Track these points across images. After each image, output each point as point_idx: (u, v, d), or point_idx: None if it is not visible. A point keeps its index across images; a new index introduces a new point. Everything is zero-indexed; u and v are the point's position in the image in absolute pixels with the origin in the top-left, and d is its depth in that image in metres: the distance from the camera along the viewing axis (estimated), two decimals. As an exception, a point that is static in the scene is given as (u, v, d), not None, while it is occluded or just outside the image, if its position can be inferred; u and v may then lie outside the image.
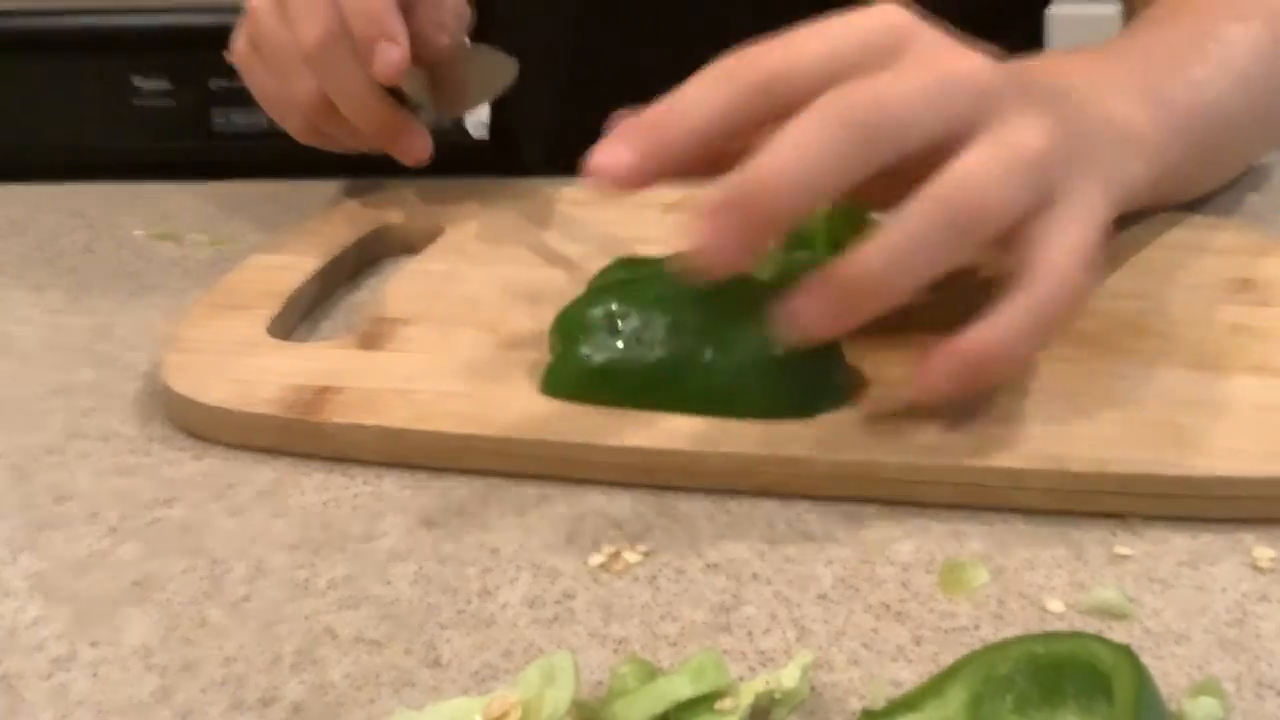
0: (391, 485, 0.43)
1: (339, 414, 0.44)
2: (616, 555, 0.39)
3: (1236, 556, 0.39)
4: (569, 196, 0.61)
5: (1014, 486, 0.40)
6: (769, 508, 0.41)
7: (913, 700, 0.31)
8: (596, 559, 0.39)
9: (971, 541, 0.40)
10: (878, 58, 0.40)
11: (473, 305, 0.51)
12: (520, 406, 0.44)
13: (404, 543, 0.40)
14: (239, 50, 0.61)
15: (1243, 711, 0.33)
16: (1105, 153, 0.46)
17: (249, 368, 0.47)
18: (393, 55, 0.54)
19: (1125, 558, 0.39)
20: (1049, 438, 0.41)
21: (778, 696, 0.32)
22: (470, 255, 0.56)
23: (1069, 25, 0.91)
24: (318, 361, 0.47)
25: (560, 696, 0.31)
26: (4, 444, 0.46)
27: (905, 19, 0.41)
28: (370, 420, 0.44)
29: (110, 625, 0.37)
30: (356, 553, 0.40)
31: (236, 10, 0.62)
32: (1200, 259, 0.53)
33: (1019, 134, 0.40)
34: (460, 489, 0.42)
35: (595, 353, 0.44)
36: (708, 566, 0.39)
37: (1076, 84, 0.48)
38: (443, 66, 0.56)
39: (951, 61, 0.41)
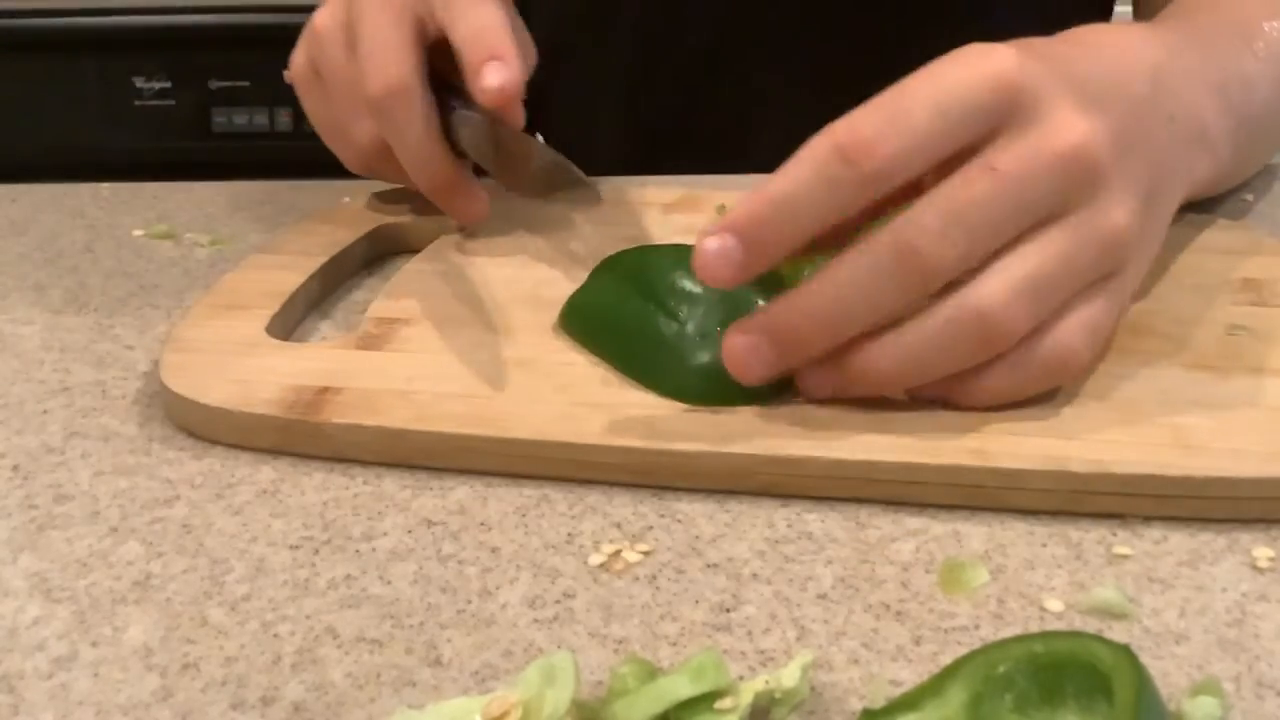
0: (391, 485, 0.43)
1: (339, 414, 0.44)
2: (616, 555, 0.39)
3: (1236, 556, 0.39)
4: (566, 196, 0.61)
5: (1013, 487, 0.40)
6: (769, 508, 0.41)
7: (913, 700, 0.31)
8: (596, 559, 0.39)
9: (971, 541, 0.40)
10: (988, 127, 0.40)
11: (473, 305, 0.51)
12: (521, 407, 0.44)
13: (404, 543, 0.40)
14: (298, 69, 0.59)
15: (1242, 711, 0.33)
16: (1178, 161, 0.45)
17: (249, 368, 0.47)
18: (501, 76, 0.51)
19: (1125, 558, 0.39)
20: (1049, 438, 0.41)
21: (778, 696, 0.32)
22: (470, 255, 0.56)
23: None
24: (317, 362, 0.47)
25: (560, 696, 0.31)
26: (4, 444, 0.46)
27: (1011, 70, 0.40)
28: (370, 421, 0.43)
29: (110, 625, 0.37)
30: (356, 553, 0.40)
31: (237, 10, 0.62)
32: (1203, 259, 0.53)
33: (1108, 217, 0.40)
34: (460, 489, 0.42)
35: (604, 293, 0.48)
36: (708, 566, 0.39)
37: (1144, 75, 0.45)
38: (510, 141, 0.54)
39: (1058, 138, 0.40)
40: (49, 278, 0.59)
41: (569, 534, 0.40)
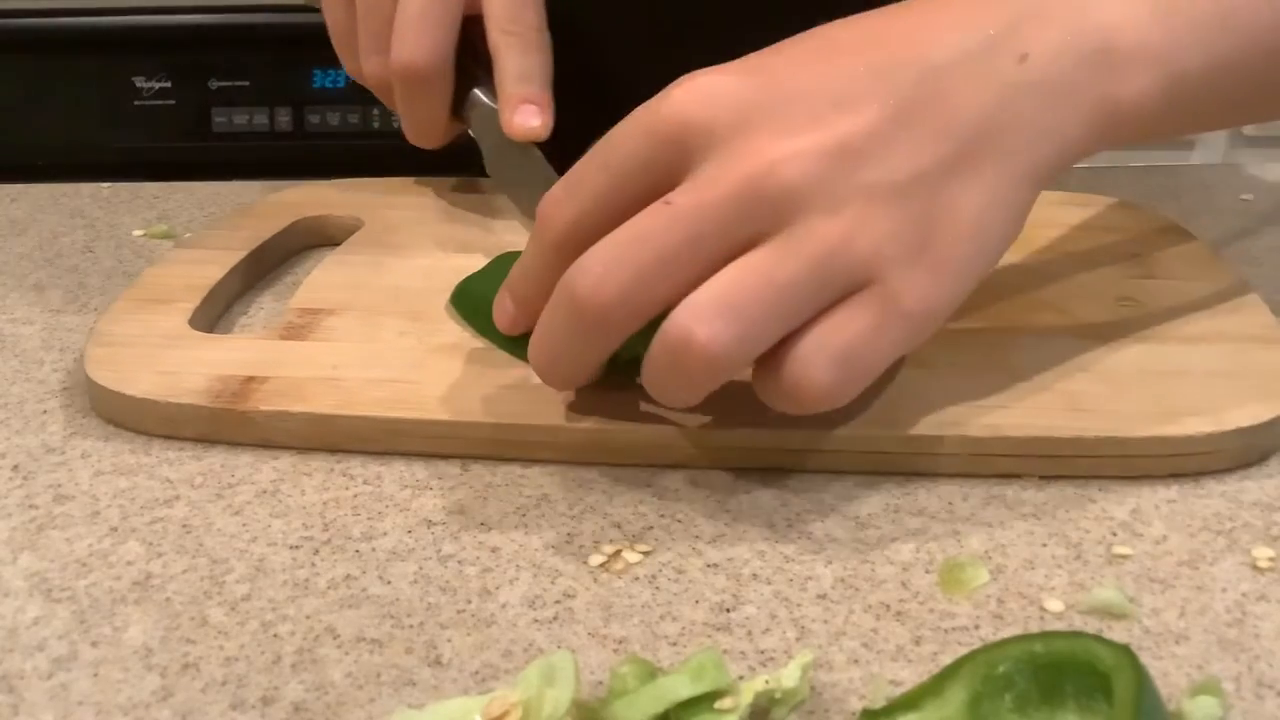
0: (391, 485, 0.43)
1: (265, 402, 0.45)
2: (616, 555, 0.39)
3: (1236, 556, 0.39)
4: (483, 188, 0.63)
5: (916, 453, 0.42)
6: (769, 508, 0.41)
7: (913, 700, 0.31)
8: (596, 559, 0.39)
9: (971, 541, 0.40)
10: (660, 172, 0.39)
11: (394, 295, 0.52)
12: (444, 391, 0.45)
13: (404, 543, 0.40)
14: None
15: (1242, 711, 0.33)
16: (1035, 108, 0.39)
17: (174, 360, 0.47)
18: (534, 121, 0.55)
19: (1125, 558, 0.39)
20: (948, 406, 0.43)
21: (778, 696, 0.32)
22: (390, 247, 0.57)
23: None
24: (242, 352, 0.48)
25: (560, 696, 0.31)
26: (4, 444, 0.46)
27: (676, 112, 0.39)
28: (297, 407, 0.44)
29: (110, 625, 0.37)
30: (356, 553, 0.40)
31: (237, 10, 0.62)
32: (1096, 235, 0.56)
33: (814, 233, 0.37)
34: (460, 489, 0.42)
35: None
36: (708, 566, 0.39)
37: (946, 42, 0.40)
38: (517, 148, 0.57)
39: (735, 168, 0.38)
40: (49, 278, 0.59)
41: (569, 534, 0.40)
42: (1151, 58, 0.40)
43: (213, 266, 0.54)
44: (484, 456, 0.44)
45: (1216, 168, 0.70)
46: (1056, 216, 0.58)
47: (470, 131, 0.59)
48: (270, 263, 0.58)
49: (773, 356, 0.38)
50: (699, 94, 0.39)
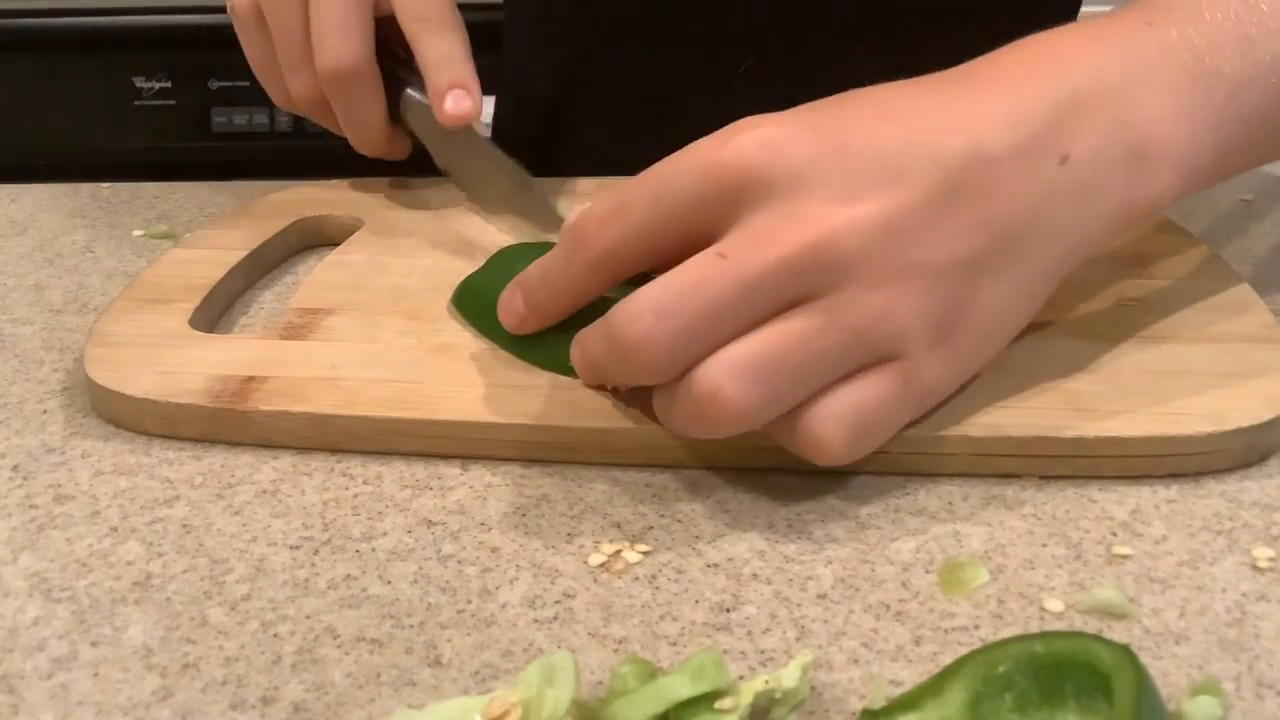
0: (391, 485, 0.43)
1: (265, 402, 0.45)
2: (616, 555, 0.39)
3: (1236, 556, 0.39)
4: (501, 186, 0.62)
5: (917, 452, 0.42)
6: (769, 507, 0.41)
7: (913, 700, 0.31)
8: (596, 559, 0.39)
9: (971, 541, 0.40)
10: (712, 215, 0.39)
11: (394, 295, 0.52)
12: (444, 391, 0.45)
13: (404, 543, 0.40)
14: (241, 7, 0.60)
15: (1242, 711, 0.33)
16: (1065, 204, 0.41)
17: (174, 359, 0.47)
18: (465, 105, 0.56)
19: (1125, 558, 0.39)
20: (950, 406, 0.43)
21: (778, 696, 0.32)
22: (389, 247, 0.57)
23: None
24: (242, 352, 0.48)
25: (560, 696, 0.31)
26: (4, 444, 0.46)
27: (739, 159, 0.39)
28: (297, 407, 0.44)
29: (110, 625, 0.37)
30: (356, 553, 0.40)
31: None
32: None
33: (857, 304, 0.38)
34: (460, 489, 0.43)
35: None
36: (708, 566, 0.39)
37: (995, 130, 0.40)
38: (458, 134, 0.58)
39: (792, 232, 0.38)
40: (49, 278, 0.59)
41: (569, 534, 0.40)
42: (1174, 161, 0.42)
43: (212, 266, 0.54)
44: (484, 457, 0.44)
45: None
46: None
47: (413, 133, 0.60)
48: (269, 263, 0.58)
49: (793, 410, 0.39)
50: (762, 144, 0.38)
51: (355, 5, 0.56)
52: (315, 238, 0.60)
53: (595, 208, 0.41)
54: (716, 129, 0.40)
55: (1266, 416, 0.42)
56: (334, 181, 0.64)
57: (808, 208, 0.38)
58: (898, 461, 0.42)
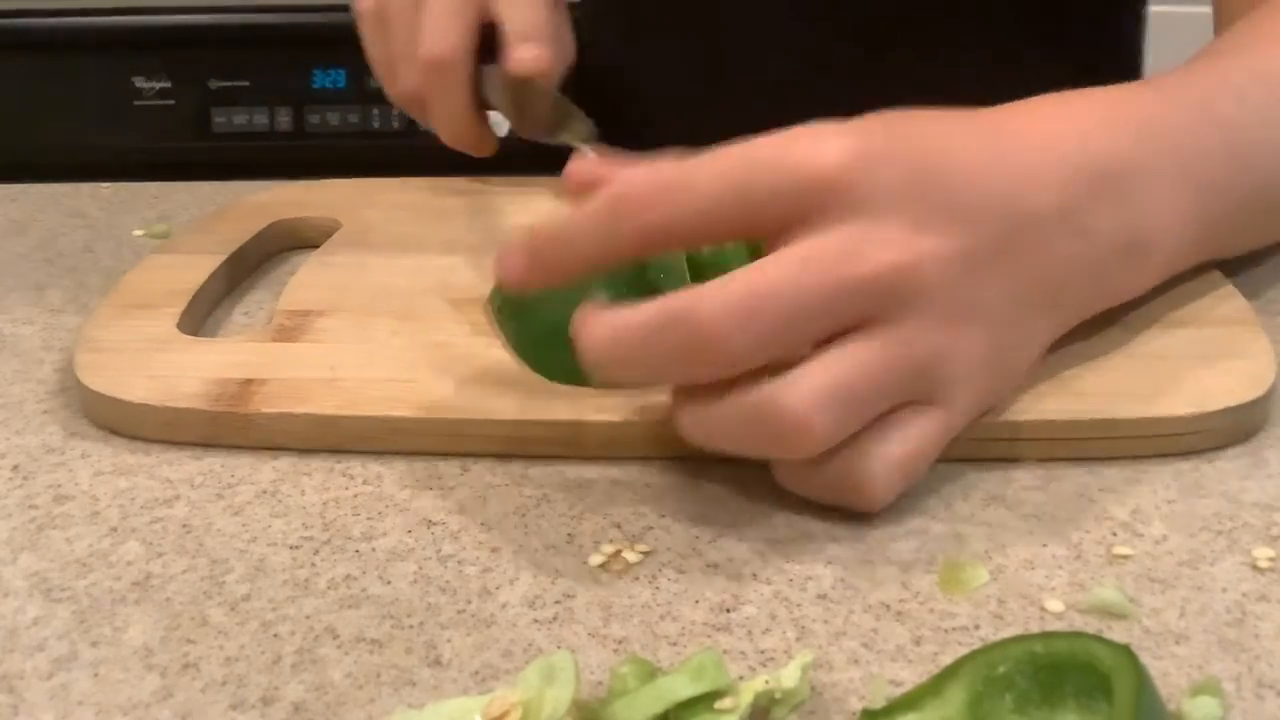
0: (391, 485, 0.43)
1: (267, 405, 0.45)
2: (616, 555, 0.39)
3: (1236, 556, 0.39)
4: (454, 186, 0.63)
5: None
6: (769, 507, 0.41)
7: (913, 700, 0.31)
8: (596, 559, 0.39)
9: (971, 541, 0.40)
10: (784, 216, 0.38)
11: (384, 295, 0.52)
12: (445, 389, 0.45)
13: (404, 543, 0.40)
14: (366, 7, 0.61)
15: (1242, 711, 0.33)
16: (1079, 278, 0.42)
17: (167, 364, 0.47)
18: (533, 53, 0.57)
19: (1125, 558, 0.39)
20: None
21: (778, 696, 0.32)
22: (373, 247, 0.57)
23: (1171, 23, 0.88)
24: (237, 355, 0.48)
25: (560, 696, 0.31)
26: (4, 444, 0.46)
27: (834, 165, 0.37)
28: (299, 409, 0.44)
29: (110, 625, 0.37)
30: (356, 553, 0.40)
31: (237, 10, 0.62)
32: None
33: (923, 341, 0.38)
34: (460, 489, 0.43)
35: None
36: (708, 566, 0.39)
37: (1051, 186, 0.41)
38: (534, 95, 0.58)
39: (871, 255, 0.37)
40: (49, 278, 0.59)
41: (569, 534, 0.40)
42: (1169, 257, 0.46)
43: (193, 271, 0.54)
44: (487, 454, 0.44)
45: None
46: None
47: (494, 107, 0.60)
48: (249, 265, 0.58)
49: (839, 449, 0.39)
50: (859, 155, 0.38)
51: (460, 5, 0.58)
52: (291, 240, 0.60)
53: (648, 176, 0.39)
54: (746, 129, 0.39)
55: (1250, 396, 0.44)
56: (306, 183, 0.64)
57: (892, 231, 0.38)
58: None
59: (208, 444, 0.45)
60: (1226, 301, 0.50)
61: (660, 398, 0.43)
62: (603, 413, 0.44)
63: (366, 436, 0.44)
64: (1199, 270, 0.51)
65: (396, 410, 0.44)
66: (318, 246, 0.58)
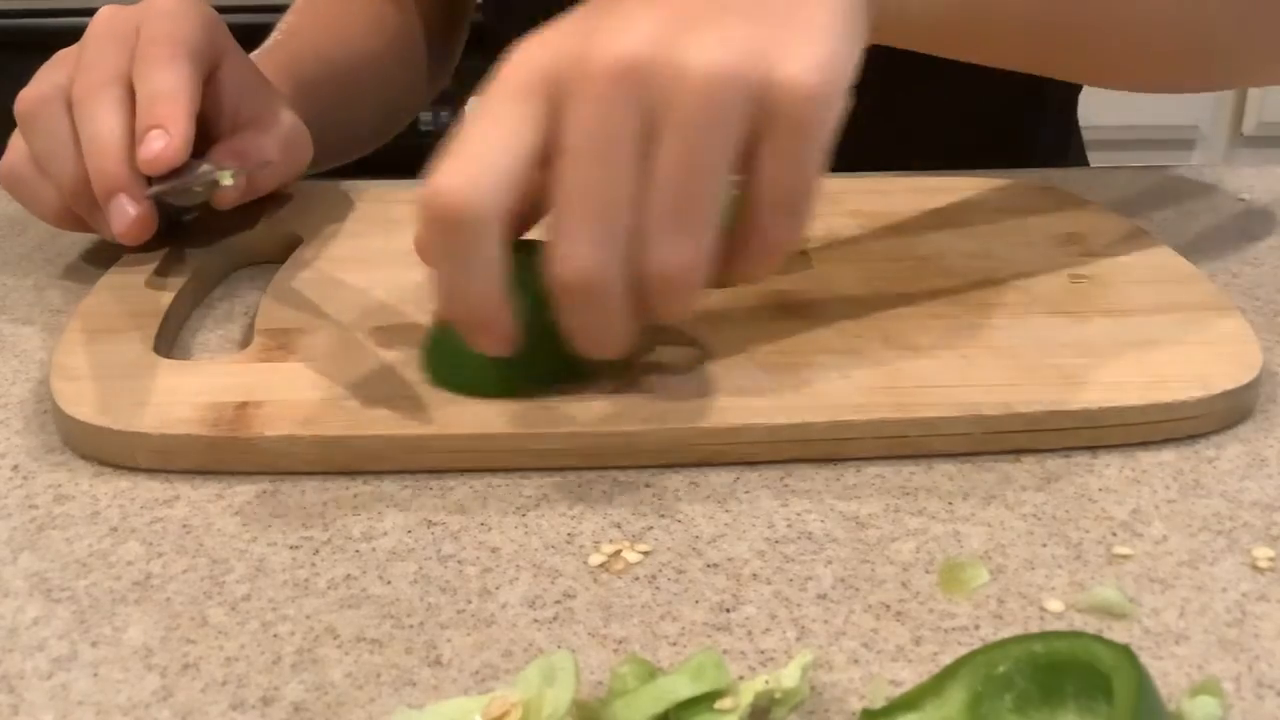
0: (391, 485, 0.43)
1: (270, 427, 0.43)
2: (616, 555, 0.39)
3: (1236, 556, 0.39)
4: (399, 196, 0.62)
5: (933, 434, 0.43)
6: (769, 508, 0.41)
7: (913, 700, 0.31)
8: (596, 559, 0.39)
9: (971, 541, 0.40)
10: (546, 126, 0.38)
11: (364, 309, 0.51)
12: (451, 403, 0.44)
13: (404, 543, 0.40)
14: (23, 110, 0.55)
15: (1242, 711, 0.33)
16: None
17: (151, 389, 0.45)
18: (156, 147, 0.51)
19: (1125, 558, 0.39)
20: (956, 388, 0.45)
21: (778, 696, 0.32)
22: (342, 261, 0.55)
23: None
24: (223, 378, 0.46)
25: (560, 696, 0.31)
26: (4, 444, 0.46)
27: (524, 67, 0.39)
28: (306, 431, 0.43)
29: (110, 625, 0.37)
30: (356, 553, 0.40)
31: (236, 10, 0.62)
32: (1022, 220, 0.59)
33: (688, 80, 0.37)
34: (460, 489, 0.42)
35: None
36: (708, 566, 0.39)
37: None
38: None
39: (601, 64, 0.37)
40: (49, 278, 0.59)
41: (569, 534, 0.40)
42: None
43: (157, 291, 0.52)
44: (504, 469, 0.43)
45: (1215, 168, 0.70)
46: (986, 201, 0.61)
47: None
48: (209, 283, 0.56)
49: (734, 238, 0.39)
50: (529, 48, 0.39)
51: (113, 110, 0.53)
52: (248, 256, 0.59)
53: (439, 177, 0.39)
54: None
55: (1246, 379, 0.45)
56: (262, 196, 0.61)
57: (598, 42, 0.38)
58: (912, 445, 0.43)
59: (205, 471, 0.43)
60: (1196, 285, 0.52)
61: (669, 399, 0.43)
62: (630, 423, 0.43)
63: (380, 456, 0.43)
64: (1160, 255, 0.53)
65: (405, 429, 0.43)
66: (278, 261, 0.56)
